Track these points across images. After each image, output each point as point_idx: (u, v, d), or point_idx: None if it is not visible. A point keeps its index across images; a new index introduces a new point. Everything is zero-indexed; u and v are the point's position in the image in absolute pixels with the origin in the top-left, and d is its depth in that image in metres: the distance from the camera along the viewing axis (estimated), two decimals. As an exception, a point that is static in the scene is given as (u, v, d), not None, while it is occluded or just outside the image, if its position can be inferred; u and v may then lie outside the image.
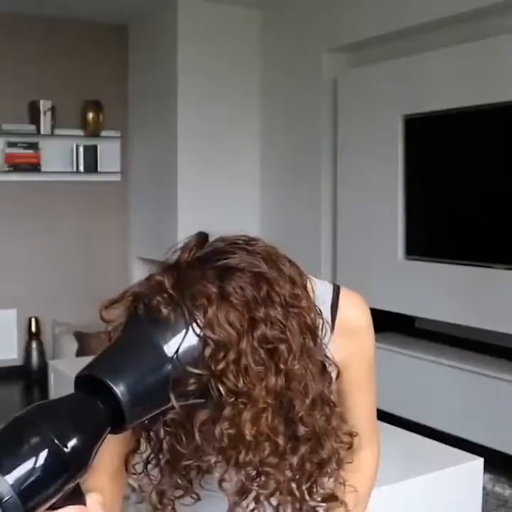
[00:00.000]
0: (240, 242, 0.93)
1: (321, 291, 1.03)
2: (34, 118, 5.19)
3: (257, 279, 0.88)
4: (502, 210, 3.55)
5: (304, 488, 0.95)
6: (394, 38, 4.19)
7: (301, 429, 0.91)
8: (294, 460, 0.91)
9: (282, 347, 0.87)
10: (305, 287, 0.94)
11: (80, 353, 4.92)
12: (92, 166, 5.37)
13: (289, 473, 0.92)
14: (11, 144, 5.12)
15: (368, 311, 1.12)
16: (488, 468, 2.77)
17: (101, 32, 5.46)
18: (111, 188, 5.58)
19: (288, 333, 0.88)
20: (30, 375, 5.20)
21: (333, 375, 0.98)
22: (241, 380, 0.83)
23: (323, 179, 4.66)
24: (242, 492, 0.91)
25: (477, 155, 3.68)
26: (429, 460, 2.49)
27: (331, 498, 1.00)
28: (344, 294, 1.09)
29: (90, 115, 5.34)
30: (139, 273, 5.09)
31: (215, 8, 4.95)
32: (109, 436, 0.84)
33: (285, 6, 4.88)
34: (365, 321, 1.11)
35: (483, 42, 3.59)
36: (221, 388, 0.82)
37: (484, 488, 2.80)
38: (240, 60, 5.09)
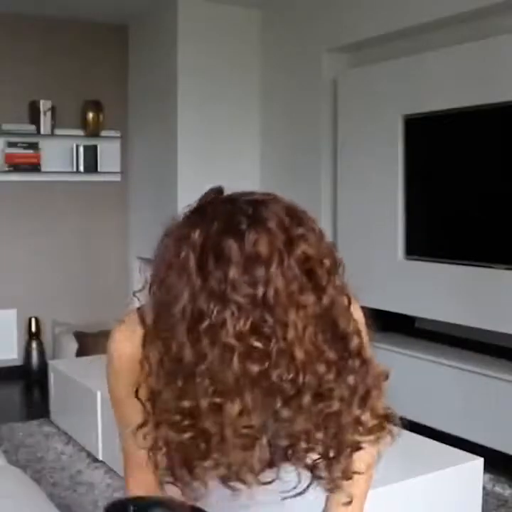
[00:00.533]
0: (257, 191, 0.99)
1: None
2: (34, 118, 5.19)
3: (289, 209, 0.94)
4: (502, 210, 3.55)
5: (358, 413, 0.97)
6: (394, 38, 4.19)
7: (353, 342, 0.93)
8: (350, 378, 0.93)
9: (325, 263, 0.91)
10: None
11: (80, 353, 4.92)
12: (92, 166, 5.37)
13: (346, 392, 0.94)
14: (11, 144, 5.12)
15: (360, 311, 1.15)
16: (488, 468, 2.77)
17: (101, 32, 5.46)
18: (111, 188, 5.58)
19: (325, 258, 0.93)
20: (30, 375, 5.19)
21: None
22: (276, 303, 0.87)
23: (323, 179, 4.66)
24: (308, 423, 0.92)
25: (477, 155, 3.68)
26: (429, 460, 2.49)
27: (379, 427, 1.02)
28: None
29: (90, 115, 5.34)
30: (138, 273, 5.09)
31: (215, 8, 4.95)
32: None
33: (285, 6, 4.88)
34: (362, 322, 1.13)
35: (483, 42, 3.58)
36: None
37: (484, 488, 2.80)
38: (240, 60, 5.09)
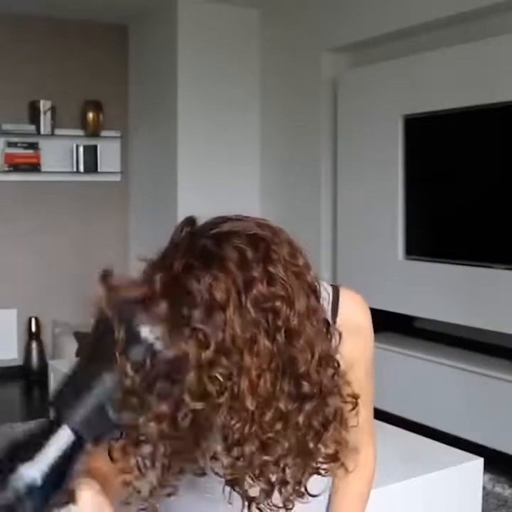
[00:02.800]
0: (229, 215, 0.96)
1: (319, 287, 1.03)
2: (34, 118, 5.19)
3: (253, 240, 0.90)
4: (502, 210, 3.55)
5: (312, 446, 0.93)
6: (394, 38, 4.19)
7: (306, 386, 0.90)
8: (300, 419, 0.90)
9: (279, 304, 0.87)
10: (301, 252, 0.95)
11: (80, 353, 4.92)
12: (92, 166, 5.37)
13: (297, 434, 0.91)
14: (10, 144, 5.12)
15: (369, 311, 1.12)
16: (488, 468, 2.77)
17: (101, 32, 5.46)
18: (111, 188, 5.58)
19: (289, 289, 0.88)
20: (30, 375, 5.19)
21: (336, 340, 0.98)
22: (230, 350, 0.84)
23: (323, 179, 4.66)
24: (250, 466, 0.89)
25: (477, 155, 3.68)
26: (429, 460, 2.48)
27: (333, 458, 0.98)
28: (344, 293, 1.09)
29: (90, 115, 5.34)
30: (138, 273, 5.09)
31: (215, 8, 4.95)
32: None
33: (285, 6, 4.88)
34: (367, 320, 1.12)
35: (483, 42, 3.59)
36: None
37: (484, 488, 2.80)
38: (240, 60, 5.10)
